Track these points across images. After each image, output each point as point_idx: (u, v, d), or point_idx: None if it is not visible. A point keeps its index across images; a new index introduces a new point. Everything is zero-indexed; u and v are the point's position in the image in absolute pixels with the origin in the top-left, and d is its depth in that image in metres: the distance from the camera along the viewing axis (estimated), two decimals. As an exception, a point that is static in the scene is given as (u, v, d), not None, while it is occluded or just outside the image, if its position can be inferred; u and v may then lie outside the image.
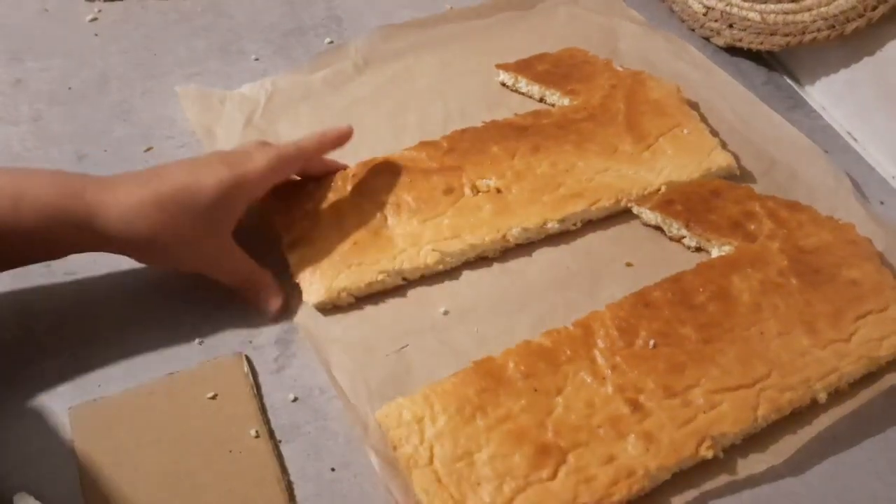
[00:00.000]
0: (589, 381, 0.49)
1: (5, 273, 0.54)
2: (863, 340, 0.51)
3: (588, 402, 0.48)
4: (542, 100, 0.68)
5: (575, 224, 0.59)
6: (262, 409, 0.50)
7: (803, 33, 0.68)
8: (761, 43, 0.72)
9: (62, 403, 0.50)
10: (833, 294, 0.53)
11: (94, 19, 0.76)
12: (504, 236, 0.57)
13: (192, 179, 0.49)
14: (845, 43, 0.67)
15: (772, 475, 0.48)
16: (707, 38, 0.76)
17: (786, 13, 0.70)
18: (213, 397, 0.49)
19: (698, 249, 0.58)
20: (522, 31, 0.76)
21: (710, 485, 0.47)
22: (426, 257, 0.55)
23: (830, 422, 0.50)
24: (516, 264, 0.58)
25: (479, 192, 0.59)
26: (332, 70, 0.70)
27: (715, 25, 0.75)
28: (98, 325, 0.54)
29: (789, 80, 0.74)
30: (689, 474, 0.47)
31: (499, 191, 0.58)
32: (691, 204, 0.57)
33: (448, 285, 0.56)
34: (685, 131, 0.63)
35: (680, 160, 0.61)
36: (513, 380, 0.49)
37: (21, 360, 0.52)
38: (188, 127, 0.66)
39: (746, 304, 0.52)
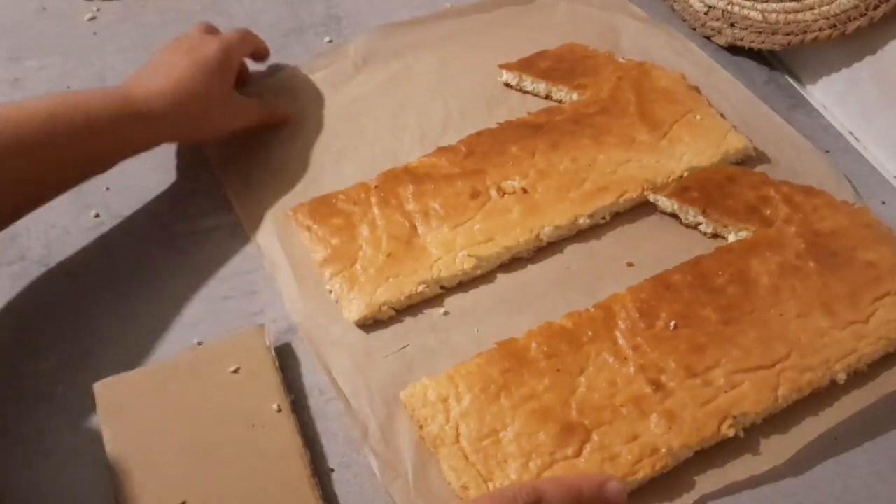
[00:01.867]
0: (611, 361, 0.53)
1: (3, 274, 0.60)
2: (881, 322, 0.56)
3: (610, 382, 0.53)
4: (548, 97, 0.73)
5: (604, 217, 0.64)
6: (284, 384, 0.54)
7: (805, 32, 0.73)
8: (763, 42, 0.76)
9: (58, 405, 0.54)
10: (850, 276, 0.58)
11: (93, 18, 0.81)
12: (537, 236, 0.61)
13: (197, 53, 0.63)
14: (847, 42, 0.72)
15: (773, 475, 0.52)
16: (708, 37, 0.81)
17: (787, 12, 0.74)
18: (236, 371, 0.53)
19: (715, 236, 0.63)
20: (522, 27, 0.80)
21: (732, 466, 0.52)
22: (462, 263, 0.59)
23: (844, 413, 0.54)
24: (517, 264, 0.62)
25: (505, 193, 0.63)
26: (331, 70, 0.76)
27: (716, 24, 0.80)
28: (95, 327, 0.58)
29: (791, 80, 0.78)
30: (711, 453, 0.52)
31: (525, 191, 0.63)
32: (707, 190, 0.63)
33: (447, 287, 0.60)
34: (698, 117, 0.69)
35: (697, 145, 0.67)
36: (536, 360, 0.53)
37: (17, 361, 0.56)
38: (186, 126, 0.71)
39: (765, 286, 0.57)
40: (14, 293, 0.60)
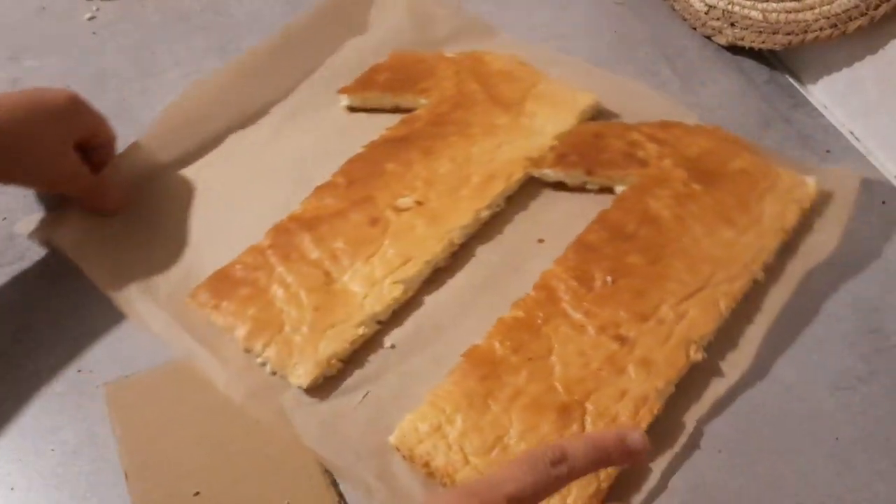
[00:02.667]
0: (571, 333, 0.55)
1: (3, 273, 0.61)
2: (771, 216, 0.62)
3: (580, 353, 0.54)
4: (395, 109, 0.72)
5: (499, 205, 0.65)
6: None
7: (806, 32, 0.74)
8: (763, 42, 0.78)
9: (58, 403, 0.54)
10: (732, 187, 0.63)
11: (93, 17, 0.83)
12: (451, 241, 0.61)
13: (42, 93, 0.59)
14: (848, 42, 0.72)
15: (745, 383, 0.55)
16: (709, 37, 0.81)
17: (788, 12, 0.75)
18: None
19: (602, 190, 0.66)
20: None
21: (708, 393, 0.55)
22: (391, 292, 0.58)
23: (774, 312, 0.58)
24: (437, 282, 0.61)
25: (401, 211, 0.62)
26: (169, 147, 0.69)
27: (716, 24, 0.81)
28: (95, 326, 0.58)
29: (791, 79, 0.79)
30: (685, 393, 0.54)
31: (420, 203, 0.63)
32: (583, 151, 0.66)
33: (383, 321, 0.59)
34: (541, 87, 0.71)
35: (554, 114, 0.69)
36: (505, 358, 0.53)
37: (17, 360, 0.56)
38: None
39: (669, 219, 0.61)
40: (14, 293, 0.60)
